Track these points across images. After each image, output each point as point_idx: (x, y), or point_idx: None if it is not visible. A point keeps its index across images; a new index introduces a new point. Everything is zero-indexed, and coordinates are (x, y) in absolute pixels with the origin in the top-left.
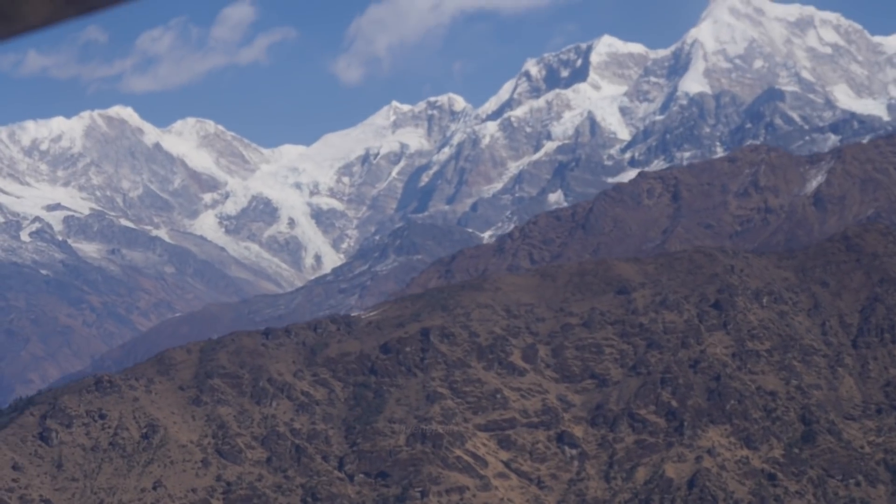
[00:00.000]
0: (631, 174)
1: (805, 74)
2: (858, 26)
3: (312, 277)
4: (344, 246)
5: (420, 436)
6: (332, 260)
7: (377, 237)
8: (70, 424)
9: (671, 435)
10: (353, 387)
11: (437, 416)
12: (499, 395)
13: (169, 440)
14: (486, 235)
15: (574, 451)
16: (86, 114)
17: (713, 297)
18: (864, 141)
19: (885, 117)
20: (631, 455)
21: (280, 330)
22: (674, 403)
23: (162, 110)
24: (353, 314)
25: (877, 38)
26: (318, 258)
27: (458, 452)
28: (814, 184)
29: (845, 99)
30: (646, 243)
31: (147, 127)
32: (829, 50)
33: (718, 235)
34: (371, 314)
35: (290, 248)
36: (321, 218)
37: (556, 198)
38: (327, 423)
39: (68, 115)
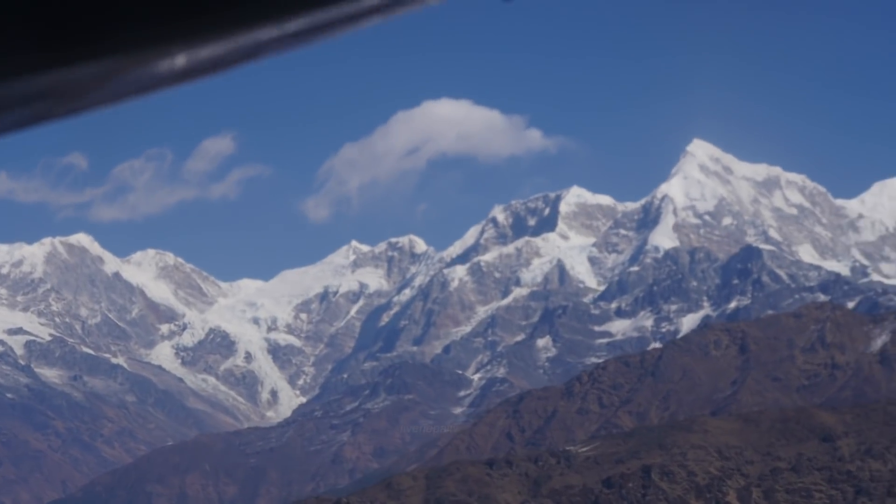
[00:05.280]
0: (618, 324)
1: (772, 233)
2: (822, 189)
3: (268, 413)
4: (300, 382)
5: None
6: (288, 396)
7: (345, 375)
8: None
9: None
10: None
11: None
12: None
13: None
14: (476, 378)
15: None
16: (47, 240)
17: None
18: (852, 304)
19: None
20: None
21: (502, 461)
22: None
23: (124, 240)
24: (567, 448)
25: (839, 202)
26: (274, 393)
27: None
28: (878, 342)
29: (810, 260)
30: (716, 394)
31: (107, 256)
32: (794, 211)
33: (787, 389)
34: (585, 449)
35: (247, 383)
36: (278, 353)
37: (544, 343)
38: None
39: (30, 241)
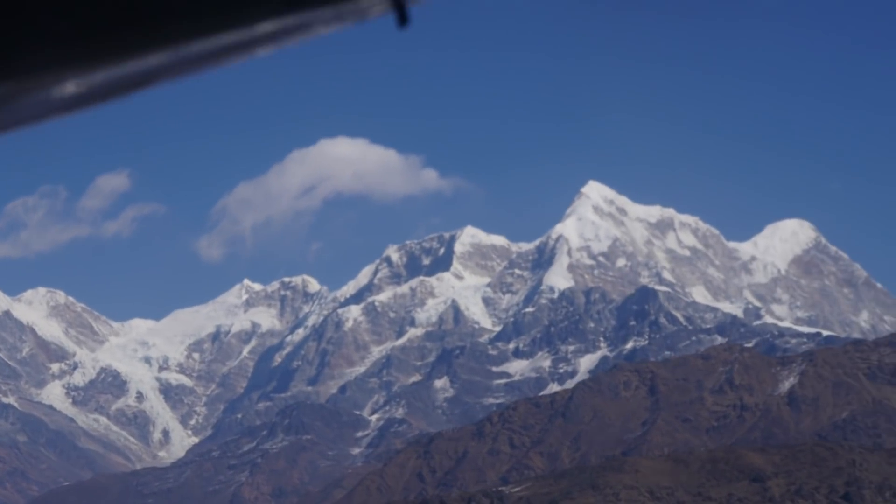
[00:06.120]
0: (516, 364)
1: (666, 275)
2: (715, 231)
3: (160, 453)
4: (192, 422)
5: None
6: (180, 436)
7: (239, 415)
8: None
9: None
10: None
11: None
12: None
13: None
14: (374, 418)
15: None
16: None
17: (842, 489)
18: (749, 346)
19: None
20: None
21: (435, 502)
22: None
23: (15, 278)
24: (500, 489)
25: (732, 244)
26: (166, 433)
27: None
28: (786, 384)
29: (703, 301)
30: (626, 434)
31: None
32: (687, 252)
33: (697, 430)
34: (517, 490)
35: (139, 423)
36: (170, 393)
37: (441, 383)
38: None
39: None
